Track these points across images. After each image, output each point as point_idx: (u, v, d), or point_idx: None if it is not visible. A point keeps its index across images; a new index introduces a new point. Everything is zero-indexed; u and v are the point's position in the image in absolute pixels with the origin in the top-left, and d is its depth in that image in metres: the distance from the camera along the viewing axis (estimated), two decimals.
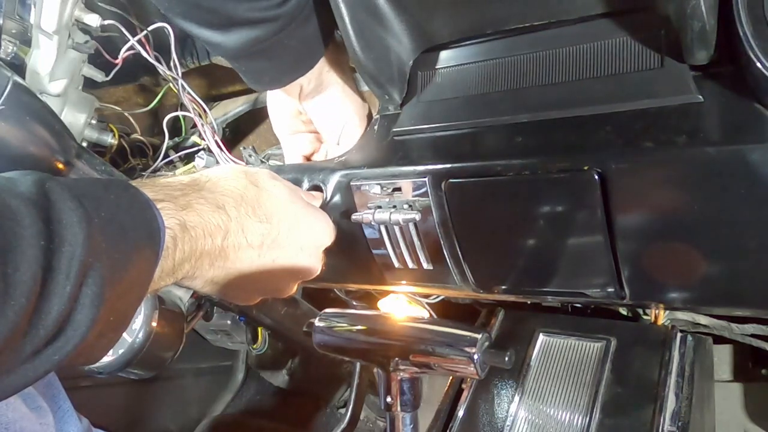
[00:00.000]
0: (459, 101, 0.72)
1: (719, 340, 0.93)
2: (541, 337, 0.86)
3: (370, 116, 0.84)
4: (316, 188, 0.81)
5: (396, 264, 0.79)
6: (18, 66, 0.89)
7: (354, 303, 1.24)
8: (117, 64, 0.94)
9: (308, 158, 0.88)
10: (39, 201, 0.41)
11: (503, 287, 0.75)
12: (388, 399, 0.64)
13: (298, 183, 0.83)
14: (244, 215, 0.59)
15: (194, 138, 1.08)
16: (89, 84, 1.00)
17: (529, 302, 0.97)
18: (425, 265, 0.77)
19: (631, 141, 0.58)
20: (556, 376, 0.81)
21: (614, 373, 0.78)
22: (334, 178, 0.79)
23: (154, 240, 0.49)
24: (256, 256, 0.61)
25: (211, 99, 1.19)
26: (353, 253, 0.82)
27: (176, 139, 1.13)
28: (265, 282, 0.66)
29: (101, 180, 0.63)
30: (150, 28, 0.89)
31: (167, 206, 0.52)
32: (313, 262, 0.69)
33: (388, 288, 0.90)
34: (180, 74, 0.90)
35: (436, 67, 0.75)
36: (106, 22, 0.90)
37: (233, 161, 0.97)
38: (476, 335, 0.58)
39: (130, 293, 0.48)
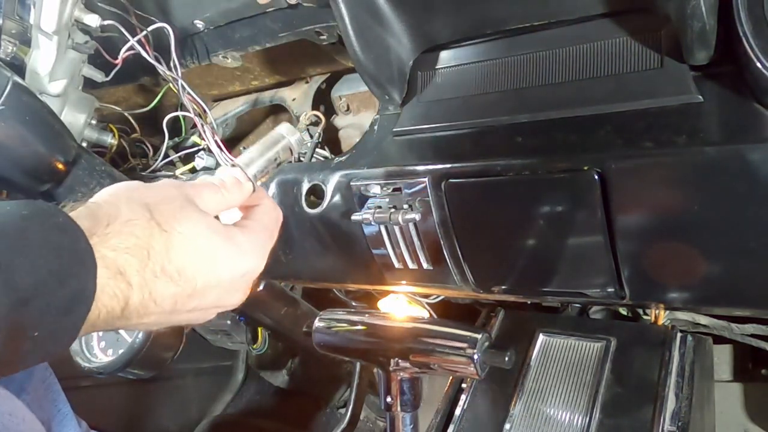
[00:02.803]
0: (459, 101, 0.72)
1: (719, 340, 0.93)
2: (541, 337, 0.86)
3: None
4: (316, 188, 0.81)
5: (396, 264, 0.79)
6: (18, 66, 0.89)
7: (354, 303, 1.24)
8: (117, 64, 0.94)
9: None
10: None
11: (503, 287, 0.75)
12: (388, 399, 0.64)
13: (297, 183, 0.83)
14: (151, 278, 0.47)
15: (194, 138, 1.08)
16: (89, 84, 0.99)
17: (529, 302, 0.98)
18: (425, 265, 0.77)
19: (631, 141, 0.58)
20: (556, 376, 0.81)
21: (614, 373, 0.78)
22: (334, 178, 0.79)
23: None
24: (166, 315, 0.50)
25: (211, 99, 1.19)
26: (353, 253, 0.82)
27: (176, 139, 1.13)
28: (177, 322, 0.54)
29: None
30: (150, 28, 0.89)
31: None
32: (238, 296, 0.56)
33: (388, 288, 0.90)
34: (180, 74, 0.90)
35: (436, 67, 0.75)
36: (106, 22, 0.90)
37: (233, 161, 0.97)
38: (476, 335, 0.58)
39: None
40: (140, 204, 0.48)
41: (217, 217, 0.56)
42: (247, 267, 0.54)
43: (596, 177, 0.59)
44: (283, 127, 0.62)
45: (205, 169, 0.97)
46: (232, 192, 0.56)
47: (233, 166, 0.58)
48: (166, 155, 1.06)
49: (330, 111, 1.01)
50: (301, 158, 0.93)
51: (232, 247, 0.52)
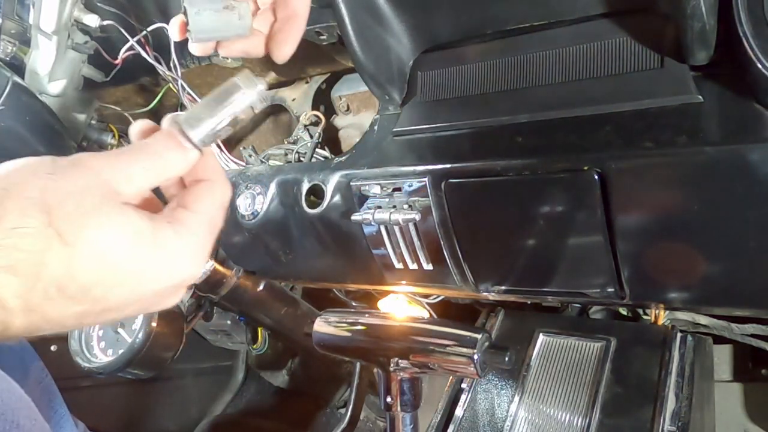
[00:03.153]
0: (459, 101, 0.72)
1: (719, 340, 0.93)
2: (541, 337, 0.86)
3: None
4: (316, 188, 0.81)
5: (396, 264, 0.79)
6: (17, 66, 0.89)
7: (354, 303, 1.24)
8: (117, 64, 0.94)
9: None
10: None
11: (503, 287, 0.75)
12: (388, 399, 0.64)
13: (297, 183, 0.83)
14: (40, 301, 0.37)
15: None
16: (89, 84, 0.99)
17: (529, 302, 0.97)
18: (425, 265, 0.77)
19: (631, 141, 0.58)
20: (556, 376, 0.81)
21: (614, 373, 0.78)
22: (334, 178, 0.79)
23: None
24: (72, 325, 0.41)
25: None
26: (353, 253, 0.82)
27: None
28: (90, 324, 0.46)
29: None
30: (149, 28, 0.89)
31: None
32: (170, 302, 0.46)
33: (388, 288, 0.90)
34: (180, 74, 0.90)
35: (436, 67, 0.75)
36: (106, 22, 0.90)
37: (233, 161, 0.97)
38: (476, 335, 0.58)
39: None
40: (37, 203, 0.36)
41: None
42: (178, 278, 0.43)
43: (596, 177, 0.59)
44: (241, 77, 0.45)
45: None
46: (172, 162, 0.43)
47: (173, 122, 0.43)
48: None
49: (330, 111, 1.01)
50: (302, 158, 0.93)
51: (159, 255, 0.41)
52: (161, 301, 0.44)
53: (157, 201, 0.45)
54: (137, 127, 0.45)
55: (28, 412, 0.60)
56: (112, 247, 0.38)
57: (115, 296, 0.40)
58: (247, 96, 0.45)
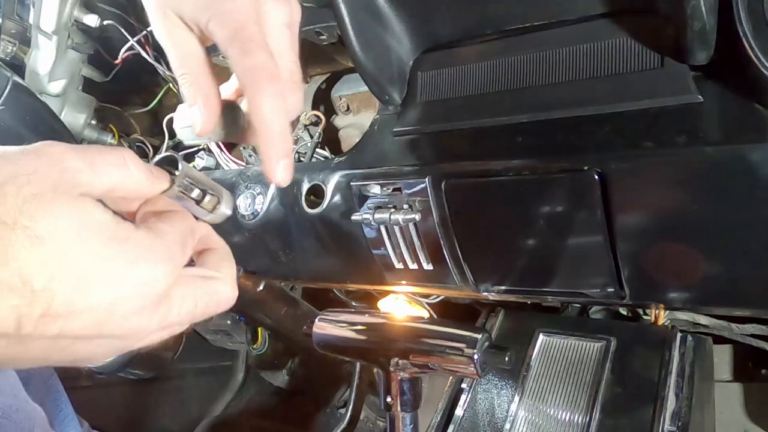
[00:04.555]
0: (459, 101, 0.72)
1: (719, 340, 0.93)
2: (541, 337, 0.86)
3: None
4: (316, 188, 0.81)
5: (396, 264, 0.79)
6: (17, 66, 0.89)
7: (354, 303, 1.24)
8: (117, 64, 0.94)
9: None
10: None
11: (503, 287, 0.75)
12: (388, 399, 0.64)
13: (297, 183, 0.83)
14: None
15: None
16: (89, 84, 1.00)
17: (529, 302, 0.97)
18: (425, 265, 0.77)
19: (631, 141, 0.58)
20: (556, 376, 0.81)
21: (614, 373, 0.78)
22: (334, 178, 0.79)
23: None
24: (14, 343, 0.33)
25: None
26: (353, 253, 0.82)
27: (176, 139, 1.13)
28: (38, 360, 0.37)
29: None
30: (149, 28, 0.89)
31: None
32: (143, 323, 0.37)
33: (388, 288, 0.90)
34: None
35: (436, 67, 0.75)
36: (106, 22, 0.90)
37: (233, 161, 0.97)
38: (476, 335, 0.58)
39: None
40: None
41: None
42: (145, 276, 0.36)
43: (596, 177, 0.59)
44: (226, 199, 0.46)
45: (205, 169, 0.97)
46: (137, 172, 0.38)
47: (164, 158, 0.42)
48: None
49: (330, 111, 1.01)
50: (301, 158, 0.93)
51: (119, 249, 0.35)
52: (123, 320, 0.35)
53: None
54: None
55: (41, 421, 0.60)
56: (58, 232, 0.33)
57: (61, 293, 0.33)
58: (220, 213, 0.45)
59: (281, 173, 0.44)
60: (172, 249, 0.38)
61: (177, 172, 0.41)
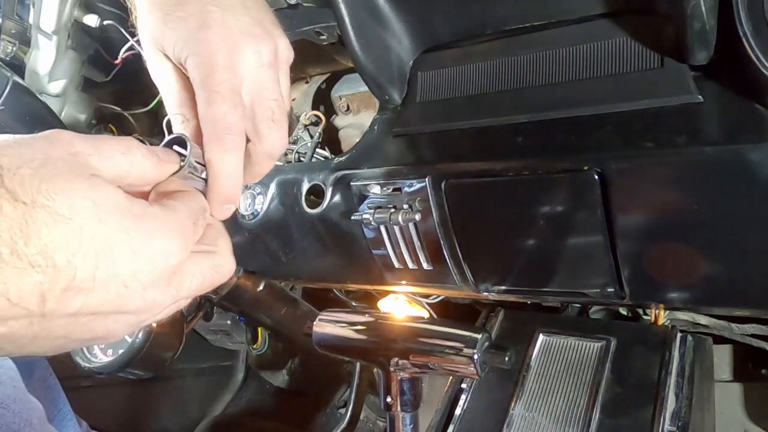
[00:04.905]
0: (459, 101, 0.72)
1: (719, 340, 0.93)
2: (541, 337, 0.86)
3: None
4: (316, 188, 0.81)
5: (396, 264, 0.79)
6: (17, 66, 0.89)
7: (354, 303, 1.24)
8: (117, 64, 0.94)
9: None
10: None
11: (503, 287, 0.75)
12: (388, 399, 0.64)
13: (297, 183, 0.83)
14: None
15: None
16: (89, 84, 1.00)
17: (529, 302, 0.97)
18: (425, 265, 0.77)
19: (631, 141, 0.58)
20: (556, 376, 0.81)
21: (614, 373, 0.78)
22: (334, 178, 0.79)
23: None
24: (37, 321, 0.35)
25: None
26: (353, 253, 0.82)
27: None
28: (61, 341, 0.38)
29: None
30: None
31: None
32: (158, 297, 0.39)
33: (388, 288, 0.90)
34: None
35: (436, 67, 0.75)
36: (106, 22, 0.90)
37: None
38: (476, 335, 0.58)
39: None
40: None
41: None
42: (161, 249, 0.38)
43: (596, 177, 0.59)
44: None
45: None
46: (142, 159, 0.41)
47: (174, 138, 0.45)
48: None
49: (330, 111, 1.01)
50: (301, 158, 0.93)
51: (133, 224, 0.37)
52: (140, 294, 0.38)
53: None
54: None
55: (39, 413, 0.60)
56: (76, 209, 0.34)
57: (82, 267, 0.34)
58: None
59: (222, 213, 0.47)
60: (186, 225, 0.40)
61: (186, 152, 0.43)
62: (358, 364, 1.14)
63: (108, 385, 1.34)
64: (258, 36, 0.48)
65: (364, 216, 0.73)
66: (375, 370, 0.65)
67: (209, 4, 0.48)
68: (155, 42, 0.49)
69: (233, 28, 0.47)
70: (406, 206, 0.72)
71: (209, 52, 0.46)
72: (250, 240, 0.92)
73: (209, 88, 0.45)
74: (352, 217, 0.74)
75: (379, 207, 0.73)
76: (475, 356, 0.57)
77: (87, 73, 0.97)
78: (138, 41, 0.90)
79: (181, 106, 0.50)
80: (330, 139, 1.00)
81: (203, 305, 1.06)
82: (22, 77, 0.86)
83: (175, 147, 0.44)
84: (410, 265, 0.78)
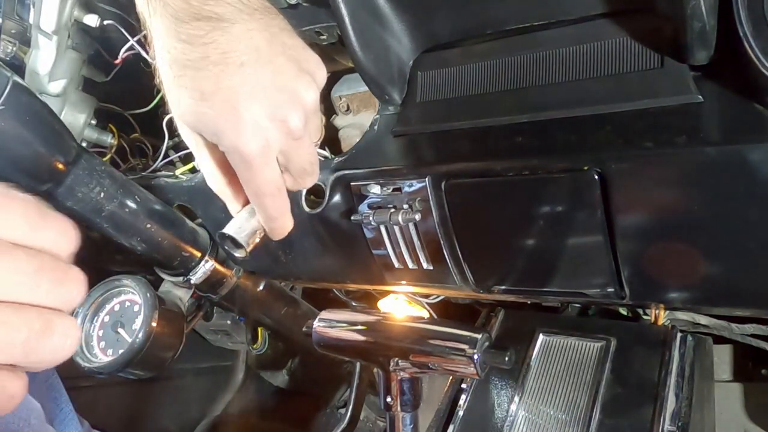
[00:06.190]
0: (459, 101, 0.72)
1: (719, 340, 0.93)
2: (541, 337, 0.86)
3: None
4: (316, 188, 0.81)
5: (396, 264, 0.79)
6: (17, 66, 0.89)
7: (354, 303, 1.24)
8: (117, 64, 0.94)
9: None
10: None
11: (503, 287, 0.75)
12: (388, 399, 0.64)
13: None
14: None
15: None
16: (89, 84, 1.00)
17: (529, 302, 0.97)
18: (425, 265, 0.77)
19: (631, 141, 0.58)
20: (556, 376, 0.81)
21: (614, 373, 0.78)
22: (334, 178, 0.79)
23: None
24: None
25: None
26: (353, 253, 0.82)
27: (176, 139, 1.13)
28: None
29: None
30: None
31: None
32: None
33: (388, 288, 0.90)
34: None
35: (436, 67, 0.75)
36: (106, 22, 0.90)
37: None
38: (476, 335, 0.58)
39: None
40: None
41: None
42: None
43: (596, 177, 0.59)
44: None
45: None
46: None
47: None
48: (166, 155, 1.06)
49: (330, 111, 1.01)
50: None
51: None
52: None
53: None
54: None
55: (38, 413, 0.61)
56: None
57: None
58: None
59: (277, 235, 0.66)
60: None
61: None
62: (358, 364, 1.14)
63: (108, 385, 1.34)
64: (285, 106, 0.53)
65: (364, 216, 0.73)
66: (375, 370, 0.65)
67: (233, 73, 0.52)
68: (192, 127, 0.57)
69: (261, 107, 0.52)
70: (406, 206, 0.72)
71: (242, 143, 0.52)
72: None
73: (247, 181, 0.56)
74: (352, 218, 0.74)
75: (379, 207, 0.73)
76: (475, 356, 0.57)
77: (87, 73, 0.97)
78: (138, 41, 0.90)
79: (217, 187, 0.62)
80: (330, 139, 1.00)
81: (203, 305, 1.06)
82: (22, 77, 0.86)
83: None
84: (410, 265, 0.78)
